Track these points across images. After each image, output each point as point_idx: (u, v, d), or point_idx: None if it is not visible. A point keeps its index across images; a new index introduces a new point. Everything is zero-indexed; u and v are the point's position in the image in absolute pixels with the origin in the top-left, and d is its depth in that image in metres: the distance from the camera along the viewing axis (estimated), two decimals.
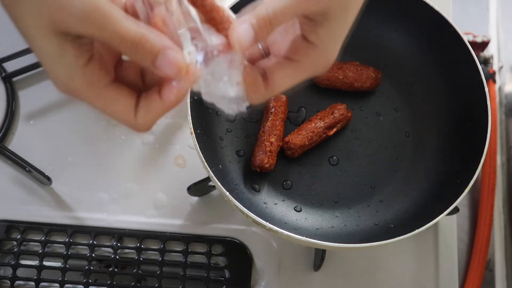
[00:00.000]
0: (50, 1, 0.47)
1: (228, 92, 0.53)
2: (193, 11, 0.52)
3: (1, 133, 0.92)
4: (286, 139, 0.84)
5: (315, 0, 0.52)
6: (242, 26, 0.52)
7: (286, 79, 0.55)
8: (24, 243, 0.87)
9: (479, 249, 0.95)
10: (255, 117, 0.89)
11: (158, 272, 0.86)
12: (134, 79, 0.54)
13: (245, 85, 0.54)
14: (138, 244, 0.87)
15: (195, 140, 0.76)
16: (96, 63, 0.51)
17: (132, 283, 0.85)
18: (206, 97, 0.54)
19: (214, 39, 0.53)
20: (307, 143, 0.84)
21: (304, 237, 0.72)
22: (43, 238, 0.87)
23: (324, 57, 0.55)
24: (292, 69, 0.55)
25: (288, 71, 0.55)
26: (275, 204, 0.84)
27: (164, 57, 0.49)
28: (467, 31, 1.08)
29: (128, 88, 0.53)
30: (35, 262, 0.86)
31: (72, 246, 0.87)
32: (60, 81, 0.50)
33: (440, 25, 0.85)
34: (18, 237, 0.87)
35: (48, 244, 0.87)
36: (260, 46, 0.58)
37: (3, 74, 0.96)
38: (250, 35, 0.52)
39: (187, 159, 0.93)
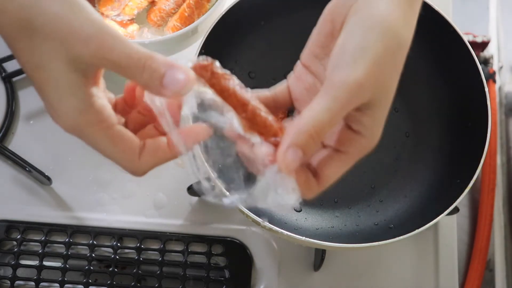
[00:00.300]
0: (65, 29, 0.48)
1: (286, 201, 0.52)
2: (236, 119, 0.52)
3: (1, 133, 0.92)
4: None
5: (358, 98, 0.51)
6: (290, 153, 0.50)
7: (337, 172, 0.54)
8: (24, 243, 0.87)
9: (479, 249, 0.95)
10: None
11: (158, 272, 0.86)
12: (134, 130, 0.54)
13: (298, 187, 0.53)
14: (138, 244, 0.87)
15: None
16: (107, 104, 0.51)
17: (132, 283, 0.85)
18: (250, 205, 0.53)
19: (264, 149, 0.52)
20: None
21: (304, 237, 0.72)
22: (43, 238, 0.87)
23: (370, 142, 0.54)
24: (341, 161, 0.54)
25: (338, 163, 0.54)
26: None
27: (171, 73, 0.49)
28: (467, 31, 1.08)
29: (131, 132, 0.53)
30: (35, 262, 0.86)
31: (72, 246, 0.87)
32: (70, 114, 0.50)
33: (440, 25, 0.85)
34: (18, 237, 0.87)
35: (48, 244, 0.87)
36: None
37: (3, 74, 0.96)
38: (299, 159, 0.50)
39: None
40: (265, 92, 0.62)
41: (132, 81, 0.51)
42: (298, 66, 0.62)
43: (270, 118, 0.53)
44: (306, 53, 0.61)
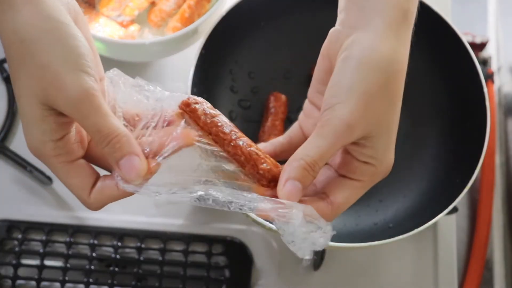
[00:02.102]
0: (50, 78, 0.51)
1: (318, 241, 0.54)
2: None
3: (2, 133, 0.93)
4: None
5: (347, 136, 0.54)
6: (288, 184, 0.53)
7: (350, 198, 0.57)
8: (25, 242, 0.87)
9: (478, 249, 0.95)
10: (255, 117, 0.89)
11: (159, 271, 0.86)
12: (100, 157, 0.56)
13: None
14: (138, 244, 0.87)
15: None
16: (68, 140, 0.54)
17: (133, 283, 0.85)
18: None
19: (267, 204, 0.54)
20: None
21: None
22: (44, 238, 0.87)
23: (382, 168, 0.57)
24: (354, 188, 0.56)
25: (351, 190, 0.56)
26: None
27: (128, 161, 0.52)
28: (466, 32, 1.08)
29: (91, 168, 0.55)
30: (36, 262, 0.87)
31: (73, 246, 0.87)
32: (32, 143, 0.53)
33: (439, 26, 0.85)
34: (19, 236, 0.87)
35: (49, 244, 0.87)
36: None
37: (4, 75, 0.96)
38: (298, 189, 0.53)
39: None
40: (279, 140, 0.66)
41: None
42: (306, 103, 0.65)
43: (261, 153, 0.55)
44: (311, 90, 0.64)
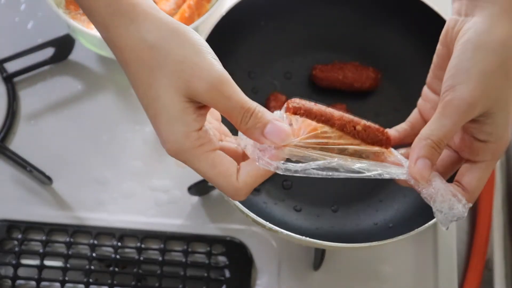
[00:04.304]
0: (189, 70, 0.54)
1: (457, 208, 0.60)
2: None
3: (2, 133, 0.93)
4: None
5: (467, 113, 0.58)
6: (419, 162, 0.59)
7: (481, 181, 0.62)
8: (25, 242, 0.87)
9: (478, 249, 0.95)
10: None
11: (159, 271, 0.86)
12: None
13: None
14: (138, 244, 0.87)
15: None
16: (207, 130, 0.57)
17: (133, 283, 0.85)
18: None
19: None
20: None
21: (304, 237, 0.73)
22: (44, 238, 0.87)
23: (500, 146, 0.61)
24: (481, 170, 0.61)
25: (479, 173, 0.61)
26: (275, 204, 0.84)
27: (273, 125, 0.56)
28: None
29: (229, 156, 0.58)
30: (36, 262, 0.87)
31: (73, 246, 0.87)
32: (174, 138, 0.55)
33: (439, 26, 0.85)
34: (19, 236, 0.87)
35: (49, 244, 0.87)
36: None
37: (4, 75, 0.96)
38: (428, 165, 0.59)
39: None
40: (402, 126, 0.72)
41: (233, 124, 0.56)
42: (424, 89, 0.72)
43: (376, 126, 0.63)
44: (430, 75, 0.70)
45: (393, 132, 0.71)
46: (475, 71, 0.58)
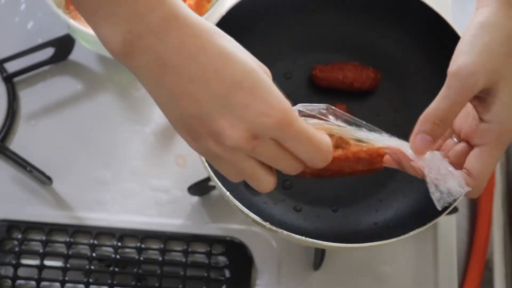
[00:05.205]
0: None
1: (454, 187, 0.60)
2: None
3: (2, 133, 0.93)
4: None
5: (471, 84, 0.59)
6: (418, 137, 0.60)
7: (485, 167, 0.60)
8: (25, 242, 0.87)
9: (478, 249, 0.95)
10: None
11: (159, 271, 0.86)
12: None
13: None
14: (138, 244, 0.87)
15: None
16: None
17: (133, 283, 0.85)
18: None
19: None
20: None
21: (304, 237, 0.73)
22: (44, 238, 0.87)
23: (506, 130, 0.60)
24: (486, 154, 0.61)
25: (483, 157, 0.61)
26: (275, 204, 0.84)
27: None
28: None
29: None
30: (36, 262, 0.87)
31: (73, 246, 0.87)
32: (279, 100, 0.54)
33: (439, 26, 0.85)
34: (19, 236, 0.87)
35: (49, 244, 0.87)
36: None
37: (4, 75, 0.96)
38: (428, 141, 0.60)
39: (188, 159, 0.93)
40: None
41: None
42: None
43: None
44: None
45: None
46: (478, 41, 0.59)
